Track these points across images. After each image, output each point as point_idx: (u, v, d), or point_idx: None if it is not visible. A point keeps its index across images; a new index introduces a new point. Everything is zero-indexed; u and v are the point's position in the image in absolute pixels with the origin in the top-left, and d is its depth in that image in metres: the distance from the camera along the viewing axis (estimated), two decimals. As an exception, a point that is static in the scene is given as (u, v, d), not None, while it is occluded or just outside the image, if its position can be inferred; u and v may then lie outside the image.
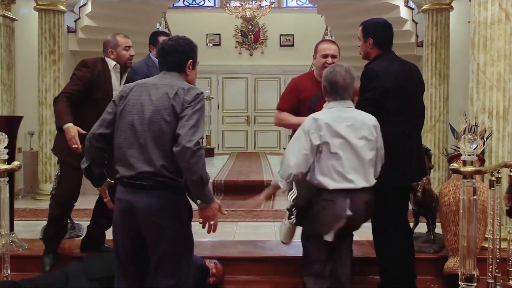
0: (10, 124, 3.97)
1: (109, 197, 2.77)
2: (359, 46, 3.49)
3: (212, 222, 2.51)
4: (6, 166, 3.27)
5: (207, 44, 13.02)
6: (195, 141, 2.36)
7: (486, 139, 3.84)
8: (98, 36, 8.18)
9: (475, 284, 3.21)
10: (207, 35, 13.05)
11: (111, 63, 3.71)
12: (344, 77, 3.00)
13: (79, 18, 8.04)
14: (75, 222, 4.52)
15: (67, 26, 7.69)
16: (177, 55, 2.62)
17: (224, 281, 3.67)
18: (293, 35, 13.13)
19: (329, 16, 8.96)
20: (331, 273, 3.09)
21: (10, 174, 3.45)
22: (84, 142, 2.70)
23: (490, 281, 3.47)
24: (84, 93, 3.58)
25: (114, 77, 3.72)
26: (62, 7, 6.38)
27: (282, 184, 2.95)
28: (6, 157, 3.29)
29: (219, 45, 13.22)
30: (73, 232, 4.43)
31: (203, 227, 2.54)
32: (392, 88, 3.19)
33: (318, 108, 3.25)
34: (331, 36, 9.88)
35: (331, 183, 2.89)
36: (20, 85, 6.51)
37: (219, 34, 13.21)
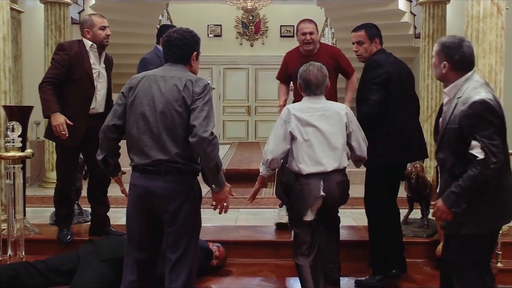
0: (22, 114, 4.14)
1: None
2: (356, 51, 3.72)
3: (224, 204, 2.74)
4: (21, 154, 3.45)
5: (208, 35, 13.14)
6: (209, 131, 2.55)
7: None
8: (101, 28, 8.35)
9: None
10: (208, 26, 13.15)
11: (87, 43, 3.86)
12: (316, 75, 3.26)
13: (83, 10, 8.17)
14: (83, 208, 4.70)
15: (71, 17, 7.80)
16: (183, 47, 2.77)
17: (227, 263, 3.85)
18: (293, 26, 13.10)
19: (328, 9, 9.08)
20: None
21: (23, 161, 3.63)
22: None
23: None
24: (64, 76, 3.75)
25: (92, 57, 3.87)
26: (67, 0, 6.51)
27: (261, 169, 3.28)
28: (20, 145, 3.47)
29: (220, 36, 13.32)
30: (81, 217, 4.62)
31: (215, 209, 2.76)
32: (392, 74, 3.52)
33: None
34: (330, 28, 10.01)
35: (305, 168, 3.14)
36: (26, 75, 6.66)
37: (220, 25, 13.30)
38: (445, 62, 2.61)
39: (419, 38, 7.13)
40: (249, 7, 12.04)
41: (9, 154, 3.45)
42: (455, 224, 2.55)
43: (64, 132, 3.57)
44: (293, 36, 13.35)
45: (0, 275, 3.29)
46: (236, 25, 13.38)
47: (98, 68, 3.91)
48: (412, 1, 7.98)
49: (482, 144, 2.40)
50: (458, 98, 2.55)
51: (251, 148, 10.10)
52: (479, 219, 2.53)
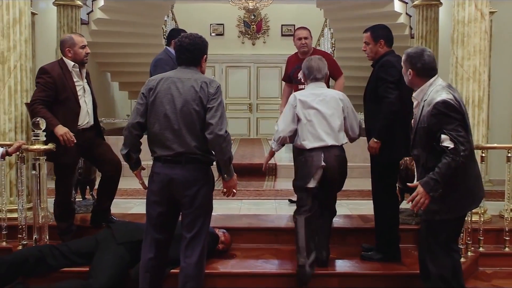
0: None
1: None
2: (364, 50, 4.13)
3: (234, 191, 3.20)
4: (45, 147, 3.80)
5: (211, 34, 13.47)
6: (224, 129, 2.99)
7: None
8: (110, 28, 8.72)
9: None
10: (211, 25, 13.48)
11: (69, 63, 4.06)
12: (317, 62, 3.94)
13: (92, 11, 8.52)
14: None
15: (80, 18, 8.16)
16: (195, 51, 3.13)
17: (231, 248, 4.20)
18: (294, 25, 13.47)
19: (327, 10, 9.40)
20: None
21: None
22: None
23: (462, 247, 4.00)
24: (52, 97, 3.96)
25: (75, 75, 4.09)
26: (78, 2, 6.85)
27: (273, 145, 3.95)
28: (44, 139, 3.82)
29: (222, 35, 13.64)
30: (95, 206, 4.95)
31: (226, 195, 3.22)
32: (401, 74, 3.85)
33: (295, 76, 4.95)
34: (329, 29, 10.33)
35: (309, 144, 3.76)
36: (40, 74, 6.99)
37: (222, 24, 13.62)
38: (410, 70, 3.04)
39: (414, 38, 7.45)
40: (251, 7, 12.37)
41: (35, 147, 3.79)
42: (430, 211, 2.93)
43: (72, 139, 3.84)
44: (293, 35, 13.69)
45: (28, 256, 3.66)
46: (238, 24, 13.70)
47: (82, 84, 4.14)
48: (407, 3, 8.31)
49: (451, 136, 2.81)
50: (424, 101, 2.97)
51: (252, 144, 10.45)
52: (451, 206, 2.93)
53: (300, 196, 3.87)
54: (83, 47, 4.10)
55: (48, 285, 3.54)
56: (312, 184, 3.74)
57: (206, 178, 3.12)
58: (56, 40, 6.91)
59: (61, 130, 3.85)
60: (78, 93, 4.09)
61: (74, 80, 4.08)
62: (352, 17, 8.75)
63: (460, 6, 4.46)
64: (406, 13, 8.37)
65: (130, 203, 5.32)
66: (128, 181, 5.70)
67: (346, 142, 3.94)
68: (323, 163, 3.70)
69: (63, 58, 4.14)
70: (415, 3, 6.82)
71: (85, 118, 4.15)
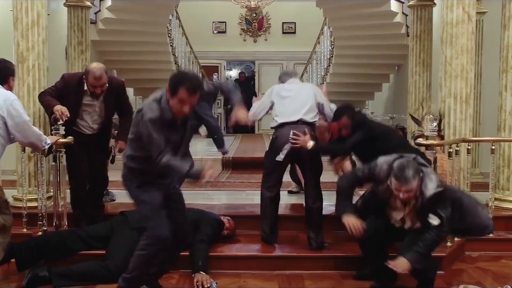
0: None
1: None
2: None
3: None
4: (64, 140, 4.13)
5: (213, 31, 13.79)
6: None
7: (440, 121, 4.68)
8: (116, 27, 9.04)
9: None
10: (213, 23, 13.80)
11: (85, 85, 4.28)
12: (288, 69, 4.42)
13: (99, 10, 8.82)
14: (109, 190, 5.37)
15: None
16: None
17: (236, 234, 4.52)
18: (295, 23, 13.86)
19: (327, 9, 9.70)
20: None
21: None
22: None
23: (449, 233, 4.33)
24: (57, 97, 4.26)
25: (88, 95, 4.28)
26: (88, 3, 7.16)
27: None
28: (64, 132, 4.15)
29: (224, 32, 13.97)
30: (108, 197, 5.28)
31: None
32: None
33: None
34: (328, 27, 10.63)
35: (279, 120, 4.22)
36: (51, 72, 7.30)
37: (224, 22, 13.94)
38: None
39: (410, 37, 7.76)
40: (253, 6, 12.68)
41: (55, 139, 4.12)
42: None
43: (66, 113, 4.07)
44: (294, 33, 14.03)
45: (49, 240, 4.00)
46: (240, 22, 14.02)
47: (94, 103, 4.32)
48: (404, 2, 8.61)
49: (439, 216, 3.25)
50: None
51: (254, 139, 10.76)
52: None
53: (266, 172, 4.31)
54: (94, 86, 4.19)
55: (69, 267, 3.86)
56: (280, 157, 4.13)
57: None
58: (67, 39, 7.22)
59: (58, 106, 4.12)
60: (83, 108, 4.30)
61: (85, 98, 4.28)
62: (350, 16, 9.06)
63: (448, 9, 4.77)
64: (403, 13, 8.66)
65: (139, 194, 5.63)
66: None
67: (316, 121, 4.30)
68: (291, 136, 4.07)
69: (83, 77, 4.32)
70: (410, 3, 7.11)
71: (85, 130, 4.38)
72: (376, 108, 11.89)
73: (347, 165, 4.57)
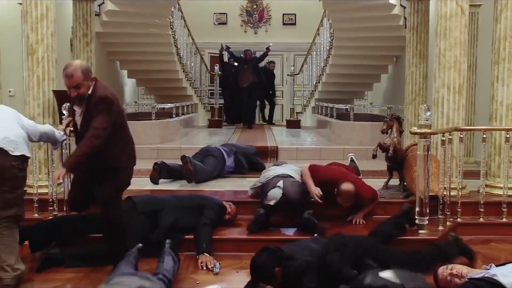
0: (68, 97, 5.00)
1: None
2: None
3: None
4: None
5: (214, 22, 13.95)
6: None
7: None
8: (119, 19, 9.22)
9: (427, 217, 4.34)
10: (214, 14, 13.96)
11: None
12: None
13: (103, 2, 8.99)
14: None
15: (93, 10, 8.65)
16: None
17: (237, 218, 4.73)
18: (295, 14, 14.02)
19: (326, 1, 9.85)
20: None
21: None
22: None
23: (441, 217, 4.55)
24: None
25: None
26: (93, -4, 7.34)
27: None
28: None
29: (225, 23, 14.13)
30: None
31: None
32: None
33: None
34: (328, 19, 10.79)
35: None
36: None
37: (225, 13, 14.11)
38: None
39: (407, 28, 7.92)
40: (253, -2, 12.86)
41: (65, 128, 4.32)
42: None
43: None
44: (295, 24, 14.18)
45: (61, 223, 4.21)
46: (241, 14, 14.18)
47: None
48: (402, -5, 8.78)
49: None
50: None
51: (255, 129, 10.94)
52: None
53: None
54: (67, 87, 3.70)
55: (79, 248, 4.07)
56: (271, 203, 4.49)
57: None
58: (72, 31, 7.40)
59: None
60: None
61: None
62: (349, 8, 9.23)
63: (442, 2, 4.94)
64: (401, 5, 8.82)
65: (143, 181, 5.84)
66: (141, 162, 6.34)
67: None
68: (280, 184, 4.53)
69: None
70: (407, -4, 7.27)
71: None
72: (375, 99, 12.09)
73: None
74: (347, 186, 4.45)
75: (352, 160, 5.94)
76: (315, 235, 4.21)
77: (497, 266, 3.32)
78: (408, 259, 3.79)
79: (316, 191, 4.49)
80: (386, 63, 10.60)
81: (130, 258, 3.69)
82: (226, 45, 11.98)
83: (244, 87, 11.16)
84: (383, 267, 3.38)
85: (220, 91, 12.05)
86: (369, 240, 3.94)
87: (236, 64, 11.71)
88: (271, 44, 11.66)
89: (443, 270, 3.39)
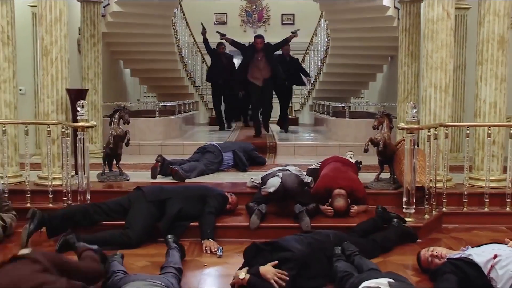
0: (81, 94, 5.37)
1: None
2: None
3: None
4: (88, 124, 4.68)
5: (214, 22, 14.28)
6: None
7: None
8: (124, 20, 9.57)
9: (413, 206, 4.69)
10: (214, 14, 14.29)
11: None
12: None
13: (108, 4, 9.31)
14: (124, 171, 5.93)
15: (99, 11, 8.98)
16: None
17: (238, 208, 5.08)
18: (293, 14, 14.37)
19: (323, 3, 10.17)
20: None
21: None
22: None
23: (426, 207, 4.91)
24: None
25: None
26: (100, -2, 7.68)
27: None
28: (87, 117, 4.70)
29: (225, 23, 14.44)
30: (122, 177, 5.84)
31: None
32: None
33: None
34: (325, 20, 11.13)
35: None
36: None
37: (225, 13, 14.45)
38: None
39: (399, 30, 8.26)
40: (253, -1, 13.20)
41: (79, 124, 4.68)
42: None
43: None
44: (293, 24, 14.50)
45: (76, 211, 4.56)
46: (241, 14, 14.52)
47: None
48: (396, -3, 9.11)
49: None
50: None
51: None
52: None
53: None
54: None
55: (94, 234, 4.42)
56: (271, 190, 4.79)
57: None
58: (79, 32, 7.74)
59: None
60: None
61: None
62: (345, 10, 9.57)
63: (430, 7, 5.30)
64: (395, 7, 9.15)
65: (149, 174, 6.17)
66: (145, 157, 6.69)
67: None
68: (279, 174, 4.86)
69: None
70: (400, -1, 7.62)
71: None
72: (371, 97, 12.43)
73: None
74: (338, 203, 4.82)
75: (350, 158, 6.29)
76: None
77: (472, 247, 3.67)
78: (366, 242, 4.22)
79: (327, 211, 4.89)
80: (381, 62, 10.94)
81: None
82: (204, 27, 9.92)
83: (256, 86, 8.93)
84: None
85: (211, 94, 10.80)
86: (341, 234, 4.24)
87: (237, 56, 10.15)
88: (299, 29, 9.47)
89: (425, 252, 3.76)
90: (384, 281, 3.04)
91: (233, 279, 3.43)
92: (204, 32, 9.95)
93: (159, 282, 3.14)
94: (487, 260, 3.36)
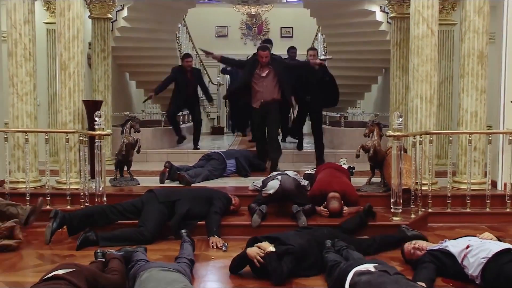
0: (96, 106, 5.86)
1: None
2: None
3: None
4: (105, 132, 5.15)
5: (216, 35, 14.81)
6: None
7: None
8: (130, 34, 10.07)
9: (400, 206, 5.15)
10: (216, 27, 14.82)
11: None
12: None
13: (116, 20, 9.81)
14: (134, 177, 6.39)
15: (108, 27, 9.47)
16: None
17: (241, 209, 5.54)
18: (292, 27, 14.88)
19: (319, 18, 10.68)
20: None
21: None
22: None
23: (413, 207, 5.37)
24: None
25: None
26: (110, 15, 8.16)
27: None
28: (104, 126, 5.18)
29: (226, 36, 14.95)
30: (133, 182, 6.31)
31: None
32: None
33: None
34: (322, 34, 11.65)
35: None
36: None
37: (226, 27, 14.95)
38: None
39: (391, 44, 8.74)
40: (253, 12, 13.72)
41: (97, 132, 5.15)
42: None
43: None
44: (292, 37, 15.03)
45: (94, 212, 5.02)
46: (241, 27, 15.03)
47: None
48: (388, 13, 9.60)
49: None
50: None
51: (255, 136, 11.71)
52: None
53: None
54: None
55: (111, 232, 4.87)
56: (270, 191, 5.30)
57: None
58: (90, 47, 8.22)
59: None
60: None
61: None
62: (341, 24, 10.08)
63: (415, 25, 5.81)
64: (387, 22, 9.65)
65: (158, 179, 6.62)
66: (152, 165, 7.16)
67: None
68: (279, 177, 5.35)
69: None
70: (391, 15, 8.11)
71: None
72: (366, 107, 12.91)
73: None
74: (333, 205, 5.27)
75: (344, 165, 6.77)
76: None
77: (449, 240, 4.14)
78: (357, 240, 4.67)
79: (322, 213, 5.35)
80: (375, 74, 11.41)
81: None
82: (205, 51, 8.33)
83: (255, 110, 7.18)
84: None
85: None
86: (334, 230, 4.73)
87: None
88: (331, 57, 9.00)
89: (408, 245, 4.23)
90: (370, 266, 3.51)
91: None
92: (209, 53, 8.26)
93: (172, 268, 3.60)
94: (461, 250, 3.83)
